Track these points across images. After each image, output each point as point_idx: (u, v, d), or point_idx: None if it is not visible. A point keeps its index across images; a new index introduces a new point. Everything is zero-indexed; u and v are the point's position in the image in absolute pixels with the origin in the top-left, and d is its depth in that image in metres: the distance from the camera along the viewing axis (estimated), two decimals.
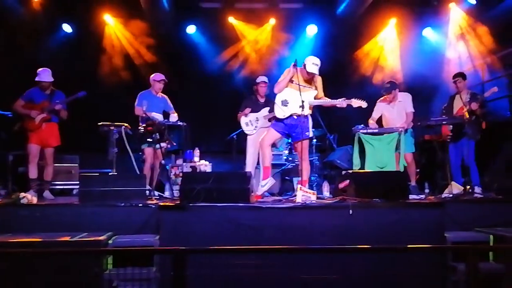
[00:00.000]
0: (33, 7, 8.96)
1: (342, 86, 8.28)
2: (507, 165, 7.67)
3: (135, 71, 9.20)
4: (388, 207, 5.44)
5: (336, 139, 8.35)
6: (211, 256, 4.58)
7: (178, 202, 5.60)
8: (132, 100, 7.09)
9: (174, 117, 7.09)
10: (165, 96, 7.36)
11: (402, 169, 6.67)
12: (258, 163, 7.41)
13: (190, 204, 5.34)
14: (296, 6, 9.90)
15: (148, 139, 6.76)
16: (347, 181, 6.23)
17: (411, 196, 6.13)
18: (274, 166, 7.01)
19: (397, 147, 6.74)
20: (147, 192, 6.03)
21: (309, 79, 6.23)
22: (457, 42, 9.29)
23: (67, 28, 9.50)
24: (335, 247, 4.86)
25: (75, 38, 9.51)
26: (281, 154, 8.06)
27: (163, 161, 6.92)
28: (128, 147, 6.58)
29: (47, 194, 6.80)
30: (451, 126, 6.82)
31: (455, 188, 6.46)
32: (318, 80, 6.31)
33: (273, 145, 6.88)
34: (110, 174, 6.54)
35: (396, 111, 7.12)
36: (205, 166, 7.68)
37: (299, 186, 5.87)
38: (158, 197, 6.42)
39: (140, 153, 6.98)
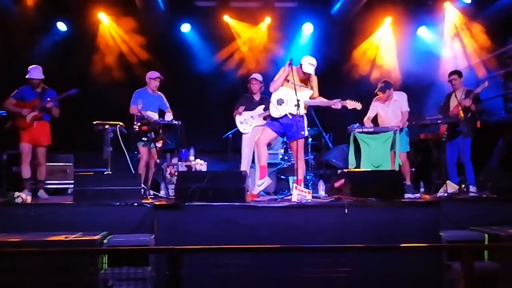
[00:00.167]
0: (28, 6, 8.92)
1: (337, 85, 8.29)
2: (502, 164, 7.71)
3: (130, 69, 9.19)
4: (383, 206, 5.44)
5: (331, 138, 8.36)
6: (207, 255, 4.57)
7: (174, 201, 5.59)
8: (127, 99, 7.06)
9: (169, 116, 7.09)
10: (161, 94, 7.34)
11: (397, 168, 6.67)
12: (253, 162, 7.41)
13: (186, 203, 5.32)
14: (291, 5, 9.90)
15: (143, 138, 6.76)
16: (343, 180, 6.23)
17: (407, 195, 6.13)
18: (269, 165, 6.99)
19: (392, 146, 6.74)
20: (142, 191, 6.01)
21: (305, 79, 6.23)
22: (452, 40, 9.31)
23: (61, 26, 9.45)
24: (330, 246, 4.87)
25: (70, 36, 9.47)
26: (277, 153, 8.06)
27: (158, 160, 6.92)
28: (123, 146, 6.56)
29: (41, 193, 6.76)
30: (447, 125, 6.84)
31: (450, 187, 6.47)
32: (314, 80, 6.31)
33: (268, 145, 6.87)
34: (105, 173, 6.53)
35: (391, 110, 7.13)
36: (200, 165, 7.65)
37: (294, 185, 5.86)
38: (153, 196, 6.40)
39: (135, 152, 6.96)
